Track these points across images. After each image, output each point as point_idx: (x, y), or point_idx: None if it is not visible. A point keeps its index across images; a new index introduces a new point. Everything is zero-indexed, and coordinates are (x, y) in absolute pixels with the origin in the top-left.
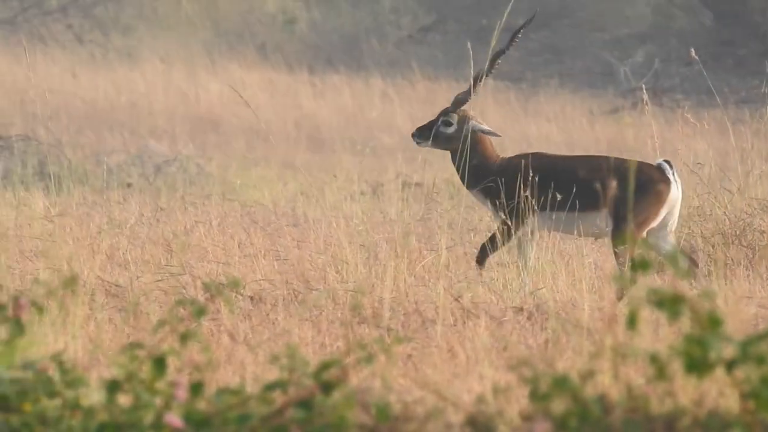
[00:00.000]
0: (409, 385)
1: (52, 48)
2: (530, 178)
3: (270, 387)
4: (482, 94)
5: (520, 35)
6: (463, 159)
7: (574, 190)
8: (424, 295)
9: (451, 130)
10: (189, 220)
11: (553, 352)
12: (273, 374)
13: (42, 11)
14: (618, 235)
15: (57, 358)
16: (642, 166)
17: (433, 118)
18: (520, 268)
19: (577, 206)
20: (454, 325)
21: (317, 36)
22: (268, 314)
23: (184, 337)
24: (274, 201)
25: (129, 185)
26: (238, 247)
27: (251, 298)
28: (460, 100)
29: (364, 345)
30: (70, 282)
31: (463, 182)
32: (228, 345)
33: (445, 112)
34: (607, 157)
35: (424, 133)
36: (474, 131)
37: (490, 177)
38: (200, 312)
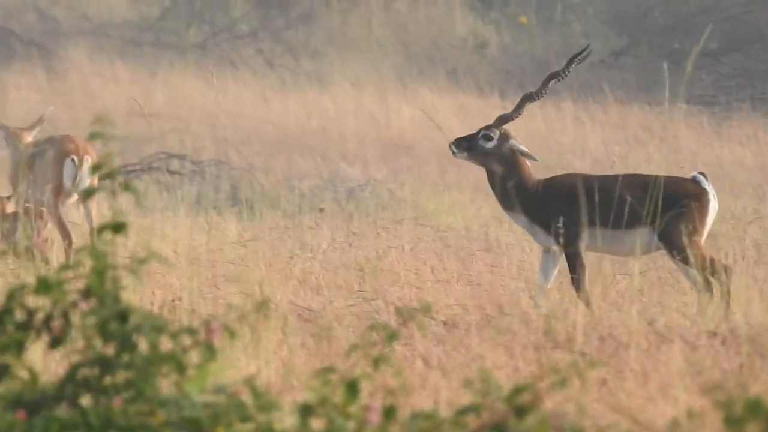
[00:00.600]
0: (603, 409)
1: (242, 72)
2: (575, 197)
3: (463, 411)
4: (675, 118)
5: (577, 61)
6: (501, 178)
7: (616, 207)
8: (618, 319)
9: (490, 145)
10: (381, 245)
11: (748, 377)
12: (466, 398)
13: (232, 36)
14: (677, 250)
15: (250, 382)
16: (678, 180)
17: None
18: (538, 285)
19: (622, 223)
20: (648, 350)
21: (508, 60)
22: (461, 339)
23: (377, 362)
24: (466, 226)
25: (321, 210)
26: (431, 271)
27: (444, 322)
28: (504, 118)
29: (557, 369)
30: (263, 306)
31: (500, 203)
32: (421, 369)
33: (487, 127)
34: (643, 175)
35: (462, 144)
36: (513, 151)
37: (527, 199)
38: (393, 336)
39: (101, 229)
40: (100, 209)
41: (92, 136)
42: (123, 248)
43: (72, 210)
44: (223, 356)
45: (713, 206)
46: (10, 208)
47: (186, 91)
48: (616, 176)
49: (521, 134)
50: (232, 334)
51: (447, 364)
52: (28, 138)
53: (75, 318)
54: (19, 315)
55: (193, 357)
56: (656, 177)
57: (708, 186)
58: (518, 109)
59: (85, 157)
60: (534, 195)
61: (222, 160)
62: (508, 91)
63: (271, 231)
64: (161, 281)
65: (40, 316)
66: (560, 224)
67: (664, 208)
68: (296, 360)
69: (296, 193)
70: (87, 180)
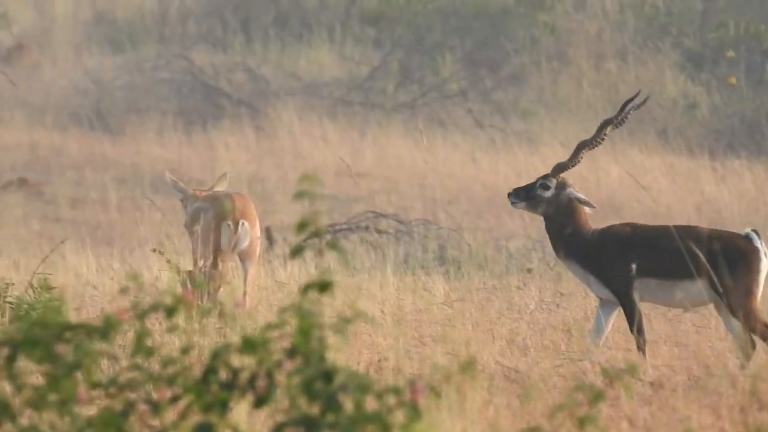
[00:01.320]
0: None
1: (451, 132)
2: (628, 247)
3: None
4: None
5: (633, 108)
6: (558, 227)
7: (670, 258)
8: None
9: (548, 194)
10: (589, 306)
11: None
12: None
13: (441, 95)
14: (734, 304)
15: None
16: (730, 235)
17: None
18: (590, 338)
19: (675, 274)
20: None
21: (718, 120)
22: (667, 400)
23: (583, 422)
24: None
25: (529, 270)
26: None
27: (651, 383)
28: (561, 167)
29: (763, 431)
30: (469, 366)
31: (556, 251)
32: (627, 431)
33: (545, 176)
34: (698, 227)
35: (520, 194)
36: (571, 199)
37: (584, 248)
38: (599, 397)
39: (307, 287)
40: (307, 268)
41: (299, 195)
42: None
43: (279, 269)
44: (429, 416)
45: (765, 265)
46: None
47: (394, 150)
48: (668, 227)
49: (731, 194)
50: (437, 394)
51: (653, 426)
52: None
53: (280, 377)
54: (223, 374)
55: (399, 417)
56: (710, 230)
57: (759, 244)
58: (574, 157)
59: (242, 221)
60: (589, 244)
61: (430, 220)
62: (718, 152)
63: (478, 291)
64: (367, 341)
65: (244, 376)
66: (613, 273)
67: (715, 262)
68: (502, 420)
69: (504, 253)
70: (245, 242)
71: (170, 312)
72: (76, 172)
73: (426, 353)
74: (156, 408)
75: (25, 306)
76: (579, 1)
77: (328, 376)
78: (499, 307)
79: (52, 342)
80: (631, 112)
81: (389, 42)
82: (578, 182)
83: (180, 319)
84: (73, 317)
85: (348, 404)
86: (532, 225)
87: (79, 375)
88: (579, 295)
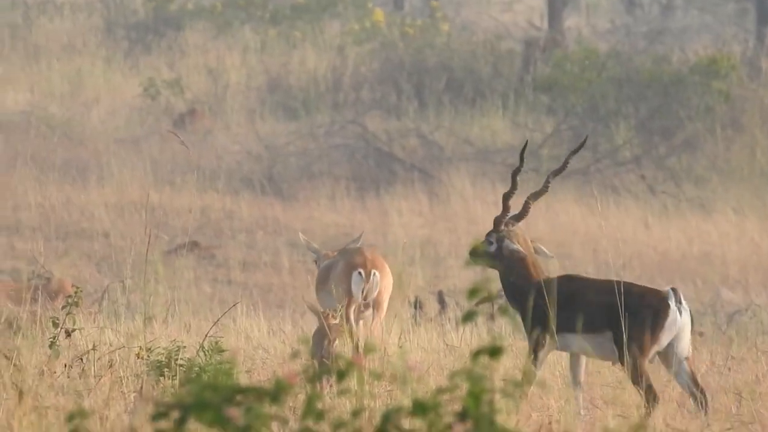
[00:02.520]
0: None
1: (624, 198)
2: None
3: None
4: None
5: (571, 157)
6: (503, 277)
7: (582, 312)
8: None
9: (492, 249)
10: (761, 369)
11: None
12: None
13: (615, 162)
14: (623, 359)
15: None
16: (644, 291)
17: None
18: (571, 385)
19: (584, 328)
20: None
21: None
22: None
23: None
24: None
25: (701, 334)
26: None
27: None
28: (497, 221)
29: None
30: (639, 429)
31: (507, 299)
32: None
33: (488, 233)
34: (620, 282)
35: (473, 253)
36: (511, 251)
37: (524, 297)
38: None
39: (478, 352)
40: (479, 331)
41: (470, 261)
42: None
43: (451, 332)
44: None
45: (675, 323)
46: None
47: (567, 216)
48: (597, 281)
49: None
50: None
51: None
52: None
53: None
54: None
55: None
56: (630, 285)
57: (672, 302)
58: (504, 208)
59: (373, 271)
60: (528, 292)
61: None
62: None
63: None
64: (538, 403)
65: None
66: (527, 322)
67: (624, 317)
68: None
69: None
70: (374, 291)
71: (341, 375)
72: (248, 236)
73: (597, 415)
74: None
75: (197, 369)
76: (753, 69)
77: None
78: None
79: (222, 405)
80: (570, 159)
81: (562, 109)
82: (750, 247)
83: (351, 382)
84: (243, 380)
85: None
86: (704, 289)
87: None
88: (750, 359)
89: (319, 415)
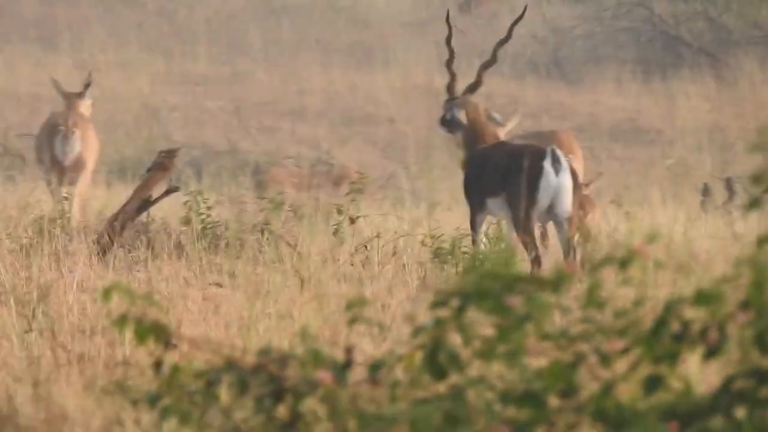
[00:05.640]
0: None
1: None
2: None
3: None
4: None
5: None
6: (461, 142)
7: (490, 176)
8: None
9: (448, 116)
10: None
11: None
12: None
13: None
14: (514, 221)
15: None
16: (525, 152)
17: None
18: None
19: (489, 192)
20: None
21: None
22: None
23: None
24: None
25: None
26: None
27: None
28: (447, 88)
29: None
30: None
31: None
32: None
33: (445, 101)
34: (510, 143)
35: (440, 121)
36: (454, 117)
37: (468, 163)
38: None
39: (763, 240)
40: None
41: (755, 148)
42: None
43: (738, 220)
44: None
45: (549, 183)
46: None
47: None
48: (510, 144)
49: None
50: None
51: None
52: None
53: (732, 330)
54: (675, 326)
55: None
56: (518, 146)
57: (546, 162)
58: (476, 81)
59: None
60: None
61: None
62: None
63: None
64: None
65: (696, 328)
66: (465, 191)
67: (508, 177)
68: None
69: None
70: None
71: (623, 264)
72: (533, 120)
73: None
74: (606, 360)
75: (480, 257)
76: None
77: None
78: None
79: (503, 293)
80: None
81: None
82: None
83: (634, 271)
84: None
85: None
86: None
87: (529, 326)
88: None
89: (601, 304)
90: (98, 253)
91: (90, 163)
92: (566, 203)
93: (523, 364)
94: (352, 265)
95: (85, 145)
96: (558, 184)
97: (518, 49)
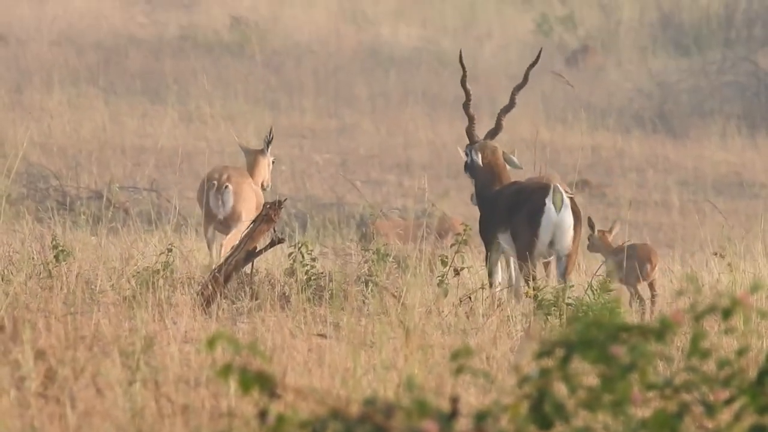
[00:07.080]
0: None
1: None
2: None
3: None
4: None
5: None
6: (474, 185)
7: (501, 214)
8: None
9: (467, 160)
10: None
11: None
12: None
13: None
14: (518, 256)
15: None
16: (529, 189)
17: None
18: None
19: (499, 229)
20: None
21: None
22: None
23: None
24: None
25: None
26: None
27: None
28: (467, 133)
29: None
30: None
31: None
32: None
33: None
34: (518, 182)
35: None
36: (473, 161)
37: (484, 204)
38: None
39: None
40: None
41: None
42: None
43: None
44: None
45: (550, 220)
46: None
47: None
48: (518, 183)
49: None
50: None
51: None
52: None
53: None
54: None
55: None
56: (523, 184)
57: (548, 200)
58: (496, 126)
59: None
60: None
61: None
62: None
63: None
64: None
65: None
66: (481, 229)
67: (514, 214)
68: None
69: None
70: None
71: (727, 314)
72: (638, 175)
73: None
74: (710, 409)
75: (584, 308)
76: None
77: None
78: None
79: (607, 342)
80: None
81: None
82: None
83: (737, 320)
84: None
85: None
86: None
87: (634, 376)
88: None
89: (705, 354)
90: (202, 305)
91: (245, 215)
92: (566, 240)
93: (629, 413)
94: (456, 316)
95: (238, 198)
96: (559, 220)
97: (624, 103)
